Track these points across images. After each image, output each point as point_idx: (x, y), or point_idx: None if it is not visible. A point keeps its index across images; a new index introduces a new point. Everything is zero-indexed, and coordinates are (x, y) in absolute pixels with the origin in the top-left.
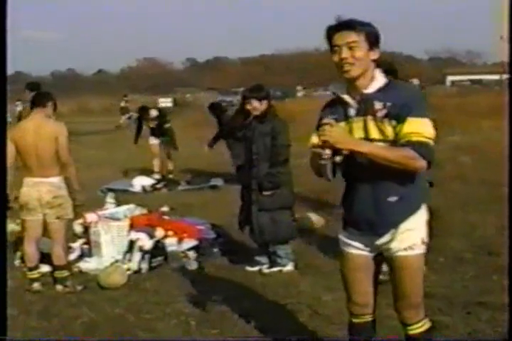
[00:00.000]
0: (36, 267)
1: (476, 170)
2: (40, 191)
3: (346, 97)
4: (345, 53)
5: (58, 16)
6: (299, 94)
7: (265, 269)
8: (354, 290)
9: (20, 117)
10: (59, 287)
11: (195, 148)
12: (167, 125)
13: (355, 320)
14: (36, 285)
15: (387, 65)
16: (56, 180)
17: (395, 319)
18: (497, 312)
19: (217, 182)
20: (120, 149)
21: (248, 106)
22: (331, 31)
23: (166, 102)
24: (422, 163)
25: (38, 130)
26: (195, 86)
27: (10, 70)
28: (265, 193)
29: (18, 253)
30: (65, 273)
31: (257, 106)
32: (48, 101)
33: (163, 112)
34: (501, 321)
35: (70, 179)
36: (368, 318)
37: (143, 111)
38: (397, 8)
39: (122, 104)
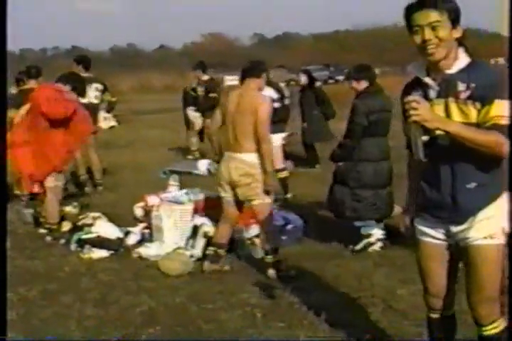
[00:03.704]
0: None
1: None
2: (229, 167)
3: (427, 79)
4: (429, 34)
5: None
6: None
7: (354, 247)
8: (429, 280)
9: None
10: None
11: None
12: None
13: (432, 315)
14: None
15: None
16: (248, 156)
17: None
18: None
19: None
20: (184, 129)
21: (349, 85)
22: (411, 10)
23: (232, 80)
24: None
25: (239, 100)
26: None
27: (66, 45)
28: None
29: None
30: (223, 253)
31: (354, 86)
32: (262, 71)
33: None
34: None
35: (263, 158)
36: (447, 313)
37: None
38: None
39: None
